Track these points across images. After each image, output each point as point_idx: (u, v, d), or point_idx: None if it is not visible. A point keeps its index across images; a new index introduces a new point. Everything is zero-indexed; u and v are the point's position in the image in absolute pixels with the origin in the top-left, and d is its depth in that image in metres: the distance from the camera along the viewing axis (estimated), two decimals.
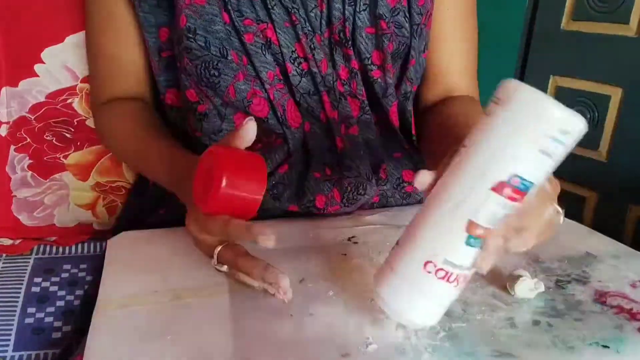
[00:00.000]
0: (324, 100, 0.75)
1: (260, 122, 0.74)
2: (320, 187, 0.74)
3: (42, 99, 0.92)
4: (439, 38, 0.83)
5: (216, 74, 0.71)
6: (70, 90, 0.93)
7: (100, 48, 0.81)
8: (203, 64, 0.71)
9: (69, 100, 0.93)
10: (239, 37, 0.71)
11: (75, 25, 0.91)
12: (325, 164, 0.76)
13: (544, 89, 1.41)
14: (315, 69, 0.74)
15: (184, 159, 0.67)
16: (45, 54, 0.91)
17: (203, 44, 0.70)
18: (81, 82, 0.93)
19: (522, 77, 1.47)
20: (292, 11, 0.72)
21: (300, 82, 0.74)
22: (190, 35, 0.70)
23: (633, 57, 1.24)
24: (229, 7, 0.71)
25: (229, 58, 0.71)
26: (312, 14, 0.73)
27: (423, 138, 0.85)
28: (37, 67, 0.91)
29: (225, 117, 0.75)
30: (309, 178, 0.74)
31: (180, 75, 0.75)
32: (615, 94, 1.28)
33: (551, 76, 1.39)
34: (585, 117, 1.31)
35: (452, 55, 0.85)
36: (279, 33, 0.72)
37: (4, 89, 0.91)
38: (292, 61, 0.73)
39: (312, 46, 0.73)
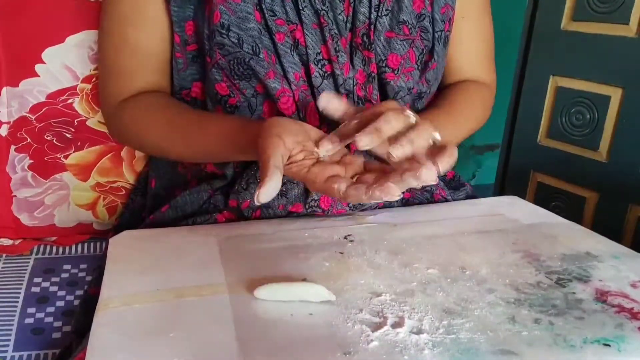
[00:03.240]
0: None
1: None
2: None
3: (42, 99, 0.92)
4: (456, 40, 0.85)
5: (249, 70, 0.72)
6: (71, 90, 0.93)
7: (126, 39, 0.78)
8: (235, 60, 0.72)
9: (69, 100, 0.93)
10: (271, 36, 0.72)
11: (76, 26, 0.91)
12: None
13: (544, 89, 1.41)
14: (338, 71, 0.74)
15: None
16: (46, 54, 0.91)
17: (236, 41, 0.71)
18: (82, 82, 0.93)
19: (522, 77, 1.47)
20: (322, 13, 0.73)
21: (321, 83, 0.75)
22: (224, 32, 0.71)
23: (633, 57, 1.23)
24: (263, 6, 0.72)
25: (261, 56, 0.72)
26: (340, 17, 0.75)
27: None
28: (38, 67, 0.91)
29: (255, 109, 0.76)
30: None
31: (211, 69, 0.75)
32: (615, 94, 1.27)
33: (551, 76, 1.39)
34: (585, 117, 1.33)
35: (468, 54, 0.89)
36: (307, 34, 0.73)
37: (4, 89, 0.91)
38: (315, 62, 0.74)
39: (336, 48, 0.74)
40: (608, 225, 1.31)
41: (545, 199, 1.45)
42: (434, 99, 0.87)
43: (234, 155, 0.71)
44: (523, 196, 0.91)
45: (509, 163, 1.54)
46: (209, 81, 0.76)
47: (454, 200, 0.86)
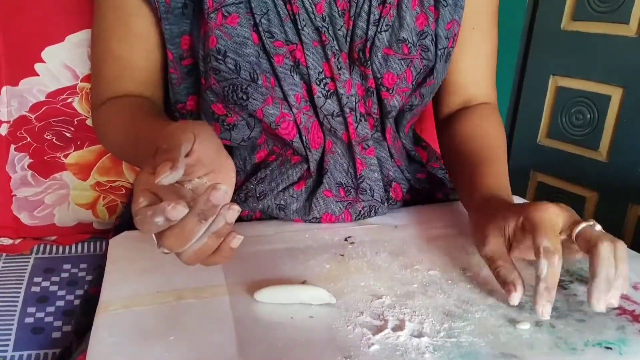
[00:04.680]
0: (348, 122, 0.74)
1: (286, 143, 0.75)
2: (329, 207, 0.74)
3: (42, 98, 0.92)
4: (461, 54, 0.82)
5: (244, 97, 0.70)
6: (71, 90, 0.93)
7: (110, 49, 0.76)
8: (231, 87, 0.70)
9: (69, 100, 0.93)
10: (269, 60, 0.69)
11: (76, 25, 0.91)
12: (340, 185, 0.76)
13: (544, 89, 1.41)
14: (341, 90, 0.72)
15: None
16: (46, 53, 0.90)
17: (233, 67, 0.69)
18: (81, 81, 0.93)
19: (522, 77, 1.47)
20: (322, 30, 0.70)
21: (324, 103, 0.72)
22: (220, 57, 0.68)
23: (633, 57, 1.23)
24: (260, 29, 0.69)
25: (259, 82, 0.69)
26: (340, 33, 0.72)
27: (444, 154, 0.86)
28: (38, 66, 0.91)
29: (254, 127, 0.75)
30: (318, 196, 0.74)
31: (205, 91, 0.73)
32: (615, 94, 1.28)
33: (551, 76, 1.39)
34: (585, 117, 1.33)
35: (473, 69, 0.85)
36: (307, 54, 0.70)
37: (4, 88, 0.91)
38: (318, 82, 0.71)
39: (338, 65, 0.71)
40: (608, 225, 1.30)
41: (545, 198, 1.43)
42: (463, 144, 0.81)
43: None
44: (523, 196, 0.91)
45: (509, 163, 1.53)
46: (204, 100, 0.75)
47: (455, 199, 0.86)
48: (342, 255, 0.66)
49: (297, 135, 0.74)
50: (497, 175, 0.72)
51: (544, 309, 0.53)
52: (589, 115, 1.33)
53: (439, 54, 0.76)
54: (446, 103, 0.87)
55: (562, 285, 0.61)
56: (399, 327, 0.52)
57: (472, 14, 0.80)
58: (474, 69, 0.85)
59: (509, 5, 1.50)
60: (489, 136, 0.81)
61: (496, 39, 0.86)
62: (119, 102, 0.77)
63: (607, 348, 0.51)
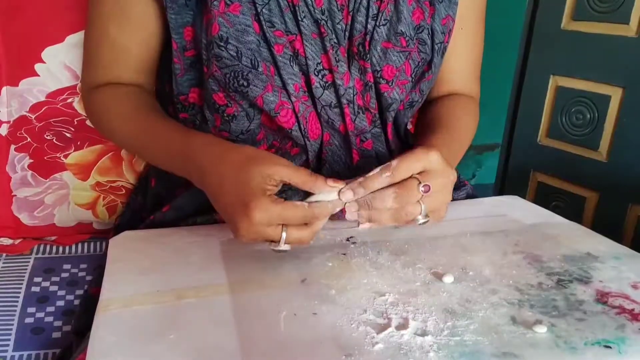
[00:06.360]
0: (345, 113, 0.75)
1: (284, 132, 0.75)
2: None
3: (42, 98, 0.92)
4: (451, 50, 0.84)
5: (245, 84, 0.71)
6: (71, 90, 0.93)
7: (107, 35, 0.78)
8: (232, 74, 0.71)
9: (69, 100, 0.93)
10: (269, 48, 0.71)
11: (76, 25, 0.91)
12: (338, 176, 0.75)
13: (544, 89, 1.41)
14: (339, 81, 0.74)
15: (215, 146, 0.66)
16: (46, 53, 0.91)
17: (234, 54, 0.70)
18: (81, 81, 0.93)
19: (522, 77, 1.47)
20: (321, 22, 0.72)
21: (322, 94, 0.74)
22: (222, 44, 0.70)
23: (633, 57, 1.23)
24: (261, 18, 0.70)
25: (260, 69, 0.71)
26: (339, 26, 0.74)
27: (416, 130, 0.90)
28: (38, 67, 0.91)
29: (253, 119, 0.75)
30: None
31: (207, 79, 0.74)
32: (615, 94, 1.28)
33: (551, 76, 1.39)
34: (585, 117, 1.33)
35: (460, 64, 0.88)
36: (306, 45, 0.72)
37: (4, 89, 0.91)
38: (316, 73, 0.73)
39: (337, 58, 0.73)
40: (608, 225, 1.31)
41: (545, 198, 1.45)
42: (430, 114, 0.86)
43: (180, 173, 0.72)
44: (523, 196, 0.91)
45: (509, 163, 1.54)
46: (206, 90, 0.76)
47: (455, 199, 0.86)
48: (344, 254, 0.66)
49: (296, 124, 0.74)
50: (443, 144, 0.74)
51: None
52: (589, 115, 1.33)
53: (436, 48, 0.78)
54: (431, 93, 0.90)
55: (562, 285, 0.61)
56: (402, 326, 0.52)
57: (461, 15, 0.82)
58: (462, 67, 0.88)
59: (509, 5, 1.51)
60: (456, 116, 0.84)
61: (483, 35, 0.89)
62: (118, 90, 0.79)
63: (607, 347, 0.51)
